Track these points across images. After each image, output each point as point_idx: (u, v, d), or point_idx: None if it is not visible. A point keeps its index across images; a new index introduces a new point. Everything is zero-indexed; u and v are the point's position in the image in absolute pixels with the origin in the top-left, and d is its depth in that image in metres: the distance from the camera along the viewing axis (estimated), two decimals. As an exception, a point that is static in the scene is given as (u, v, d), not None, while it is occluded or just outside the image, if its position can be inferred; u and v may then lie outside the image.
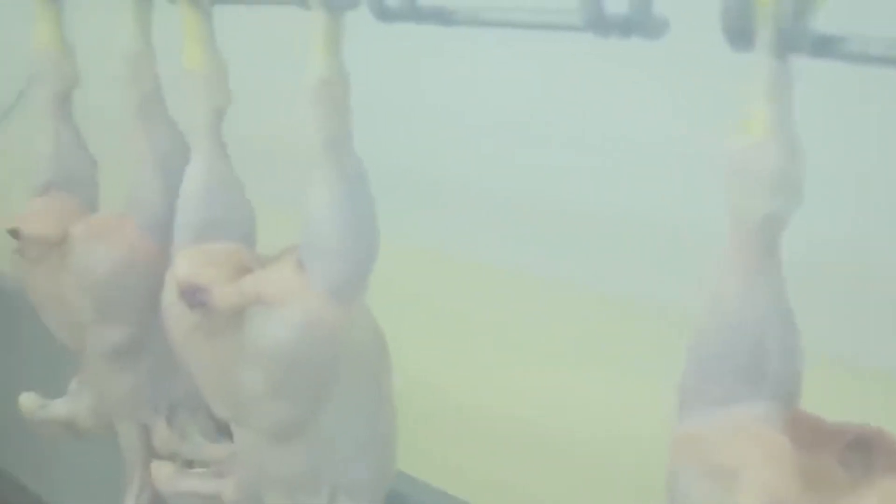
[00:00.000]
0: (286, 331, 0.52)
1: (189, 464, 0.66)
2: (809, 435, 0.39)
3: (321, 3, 0.49)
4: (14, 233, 0.68)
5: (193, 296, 0.53)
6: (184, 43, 0.58)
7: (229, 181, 0.60)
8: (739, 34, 0.37)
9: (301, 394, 0.53)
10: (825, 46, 0.37)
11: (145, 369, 0.67)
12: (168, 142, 0.64)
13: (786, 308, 0.39)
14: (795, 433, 0.38)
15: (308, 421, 0.54)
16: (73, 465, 0.88)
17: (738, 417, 0.39)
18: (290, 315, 0.52)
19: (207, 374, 0.56)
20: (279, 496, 0.57)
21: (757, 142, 0.37)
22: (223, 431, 0.66)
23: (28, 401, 0.75)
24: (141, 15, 0.63)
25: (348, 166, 0.51)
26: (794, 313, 0.39)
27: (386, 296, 0.55)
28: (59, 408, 0.74)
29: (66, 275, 0.67)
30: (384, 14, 0.49)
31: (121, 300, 0.65)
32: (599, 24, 0.42)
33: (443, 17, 0.48)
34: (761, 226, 0.37)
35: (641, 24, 0.41)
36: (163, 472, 0.64)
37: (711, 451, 0.39)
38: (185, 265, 0.55)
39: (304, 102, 0.51)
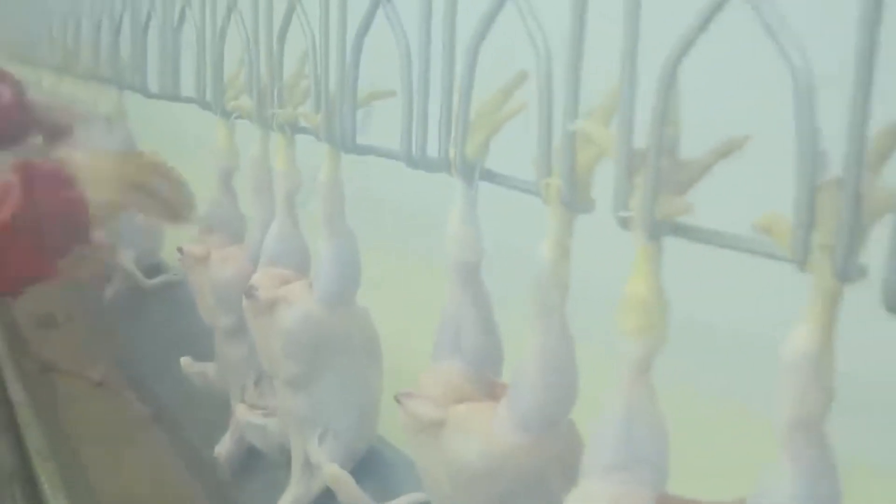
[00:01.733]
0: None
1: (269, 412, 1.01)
2: None
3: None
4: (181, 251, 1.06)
5: (249, 290, 0.87)
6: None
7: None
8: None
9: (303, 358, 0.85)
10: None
11: (245, 347, 1.02)
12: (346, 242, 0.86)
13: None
14: None
15: (311, 379, 0.86)
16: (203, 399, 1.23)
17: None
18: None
19: (259, 342, 0.90)
20: (294, 430, 0.90)
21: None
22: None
23: (185, 362, 1.13)
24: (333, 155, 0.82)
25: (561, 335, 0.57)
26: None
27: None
28: (200, 368, 1.12)
29: (206, 279, 1.04)
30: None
31: (232, 298, 1.00)
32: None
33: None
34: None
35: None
36: (239, 411, 1.00)
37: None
38: (255, 276, 0.90)
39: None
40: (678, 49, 0.46)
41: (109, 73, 1.43)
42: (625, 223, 0.50)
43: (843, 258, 0.40)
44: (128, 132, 1.53)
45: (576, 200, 0.54)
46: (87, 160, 1.06)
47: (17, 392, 1.31)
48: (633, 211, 0.49)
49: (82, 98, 1.65)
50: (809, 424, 0.43)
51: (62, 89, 1.80)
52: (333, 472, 0.85)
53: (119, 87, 1.44)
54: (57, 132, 1.60)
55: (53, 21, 1.80)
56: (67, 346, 1.47)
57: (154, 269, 1.57)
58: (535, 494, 0.60)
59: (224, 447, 1.06)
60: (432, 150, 0.67)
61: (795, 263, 0.42)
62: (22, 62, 2.13)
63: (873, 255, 0.40)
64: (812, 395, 0.42)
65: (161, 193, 1.06)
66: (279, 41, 0.87)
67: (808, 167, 0.41)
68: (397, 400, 0.64)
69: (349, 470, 0.87)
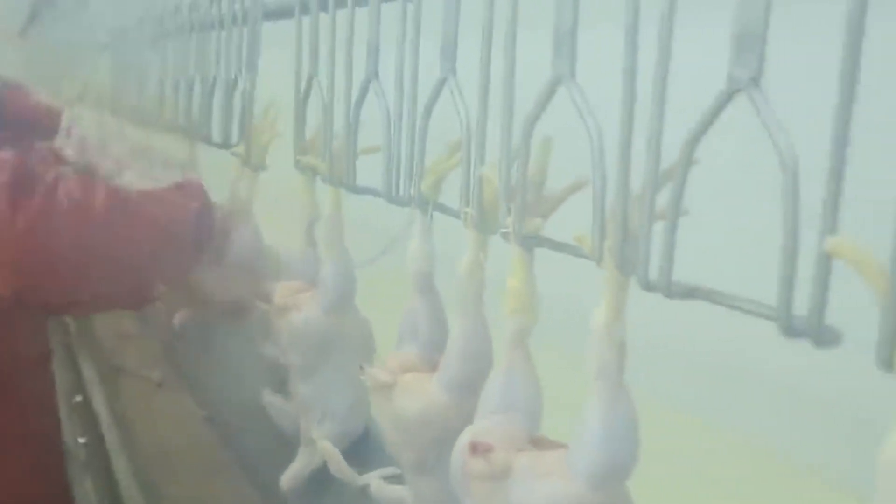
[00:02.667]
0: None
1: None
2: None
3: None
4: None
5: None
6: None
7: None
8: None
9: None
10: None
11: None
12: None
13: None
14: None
15: (311, 372, 1.09)
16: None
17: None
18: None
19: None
20: (303, 414, 1.13)
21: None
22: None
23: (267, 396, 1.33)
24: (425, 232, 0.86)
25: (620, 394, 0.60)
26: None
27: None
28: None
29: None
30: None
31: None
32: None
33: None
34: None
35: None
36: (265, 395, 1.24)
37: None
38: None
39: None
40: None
41: (196, 130, 1.54)
42: (504, 237, 0.70)
43: (620, 256, 0.59)
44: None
45: (628, 264, 0.58)
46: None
47: (93, 388, 1.56)
48: (510, 228, 0.69)
49: (165, 148, 1.82)
50: (606, 375, 0.60)
51: (146, 140, 2.04)
52: (326, 447, 1.08)
53: (194, 139, 1.57)
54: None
55: (139, 78, 2.07)
56: (135, 352, 1.74)
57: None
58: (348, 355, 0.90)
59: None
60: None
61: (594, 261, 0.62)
62: (111, 113, 2.42)
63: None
64: (605, 353, 0.59)
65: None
66: (356, 108, 0.93)
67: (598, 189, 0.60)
68: (361, 368, 0.85)
69: (344, 447, 1.09)
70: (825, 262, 0.44)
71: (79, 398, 1.87)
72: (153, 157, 1.95)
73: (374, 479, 1.02)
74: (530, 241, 0.70)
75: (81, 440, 1.83)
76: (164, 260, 1.15)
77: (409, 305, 0.87)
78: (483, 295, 0.78)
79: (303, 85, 1.06)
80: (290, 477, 1.17)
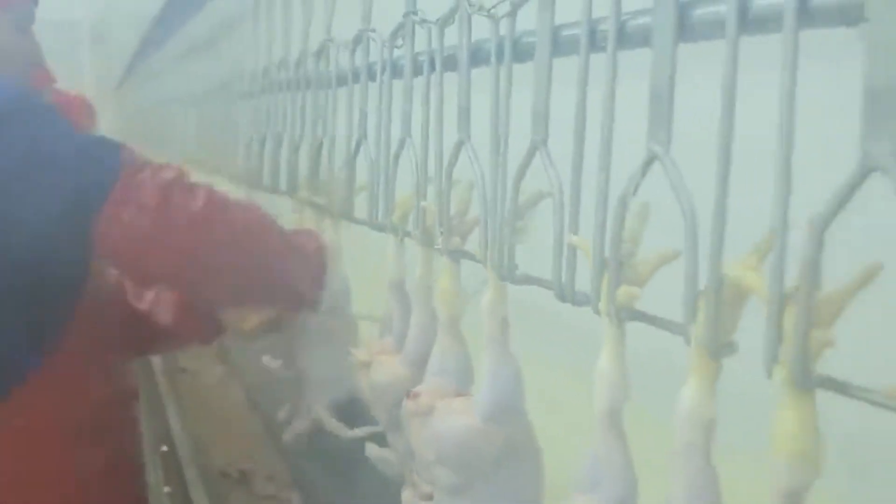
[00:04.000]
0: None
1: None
2: None
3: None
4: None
5: (411, 394, 0.99)
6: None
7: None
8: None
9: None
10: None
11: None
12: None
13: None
14: None
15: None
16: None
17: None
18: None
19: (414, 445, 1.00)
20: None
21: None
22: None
23: (370, 448, 1.20)
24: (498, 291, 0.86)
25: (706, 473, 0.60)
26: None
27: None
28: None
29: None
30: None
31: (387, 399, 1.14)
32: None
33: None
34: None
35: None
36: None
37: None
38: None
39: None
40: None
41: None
42: (595, 310, 0.68)
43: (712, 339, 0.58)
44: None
45: (718, 346, 0.57)
46: None
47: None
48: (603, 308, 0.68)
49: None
50: (691, 455, 0.59)
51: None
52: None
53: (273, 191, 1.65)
54: None
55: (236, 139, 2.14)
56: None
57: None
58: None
59: None
60: (582, 283, 0.71)
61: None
62: (208, 172, 2.51)
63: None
64: (691, 433, 0.59)
65: None
66: (447, 174, 0.93)
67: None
68: (406, 395, 0.93)
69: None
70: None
71: (165, 448, 1.91)
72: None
73: (370, 445, 1.16)
74: (624, 315, 0.67)
75: (167, 489, 1.86)
76: (290, 282, 1.23)
77: (440, 344, 0.97)
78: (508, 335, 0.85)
79: (393, 147, 1.09)
80: None
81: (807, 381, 0.50)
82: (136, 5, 4.82)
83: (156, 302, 1.40)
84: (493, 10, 0.82)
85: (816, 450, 0.51)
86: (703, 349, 0.58)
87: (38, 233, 1.07)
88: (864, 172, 0.42)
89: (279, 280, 1.21)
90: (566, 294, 0.73)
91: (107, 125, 3.93)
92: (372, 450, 1.17)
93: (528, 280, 0.81)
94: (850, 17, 0.43)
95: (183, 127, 2.93)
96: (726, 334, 0.57)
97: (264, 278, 1.19)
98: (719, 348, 0.57)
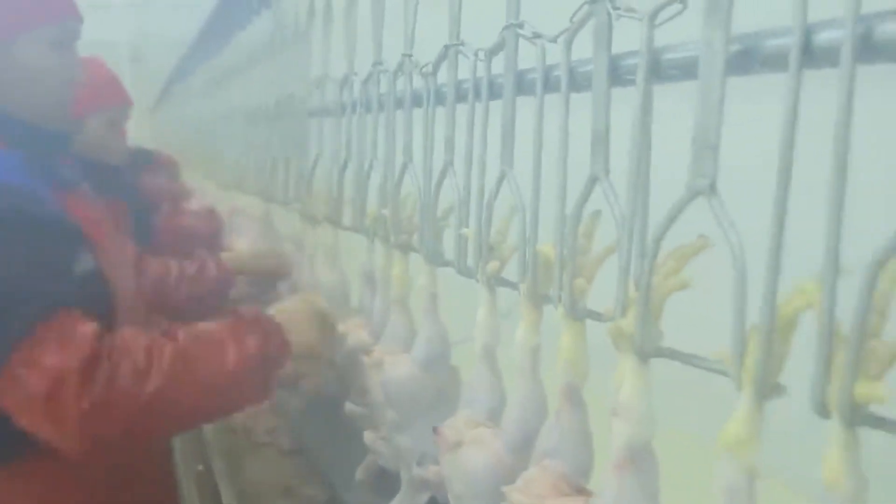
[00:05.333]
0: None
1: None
2: None
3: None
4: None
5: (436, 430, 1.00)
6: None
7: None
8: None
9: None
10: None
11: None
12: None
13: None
14: None
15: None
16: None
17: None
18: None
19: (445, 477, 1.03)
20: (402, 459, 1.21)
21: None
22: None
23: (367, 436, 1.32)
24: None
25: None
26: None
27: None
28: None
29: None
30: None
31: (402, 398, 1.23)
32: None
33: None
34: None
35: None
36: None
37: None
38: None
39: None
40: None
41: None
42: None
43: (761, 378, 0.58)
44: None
45: (766, 387, 0.56)
46: (291, 307, 1.31)
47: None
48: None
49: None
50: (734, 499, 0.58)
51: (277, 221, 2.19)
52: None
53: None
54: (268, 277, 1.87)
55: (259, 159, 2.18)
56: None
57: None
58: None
59: None
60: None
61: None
62: (234, 190, 2.55)
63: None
64: (734, 476, 0.58)
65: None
66: (488, 204, 0.93)
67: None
68: (434, 431, 0.94)
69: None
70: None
71: (200, 467, 1.91)
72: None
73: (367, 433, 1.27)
74: (651, 352, 0.67)
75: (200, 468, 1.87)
76: (236, 402, 1.22)
77: (475, 375, 0.97)
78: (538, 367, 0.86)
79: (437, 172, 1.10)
80: None
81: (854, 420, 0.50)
82: (174, 29, 4.89)
83: None
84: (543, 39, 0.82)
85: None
86: (753, 394, 0.57)
87: None
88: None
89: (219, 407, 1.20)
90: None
91: (144, 141, 4.00)
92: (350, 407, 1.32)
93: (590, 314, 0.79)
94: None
95: (218, 147, 2.97)
96: (775, 374, 0.56)
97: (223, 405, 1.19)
98: (769, 389, 0.56)
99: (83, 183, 1.38)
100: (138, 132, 3.60)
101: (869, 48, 0.50)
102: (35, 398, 1.04)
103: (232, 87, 2.63)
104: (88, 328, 1.08)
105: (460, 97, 1.02)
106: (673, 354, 0.65)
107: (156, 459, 1.48)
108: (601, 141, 0.74)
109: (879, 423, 0.49)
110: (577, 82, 0.78)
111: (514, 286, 0.90)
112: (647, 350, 0.66)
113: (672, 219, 0.63)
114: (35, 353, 1.05)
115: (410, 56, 1.16)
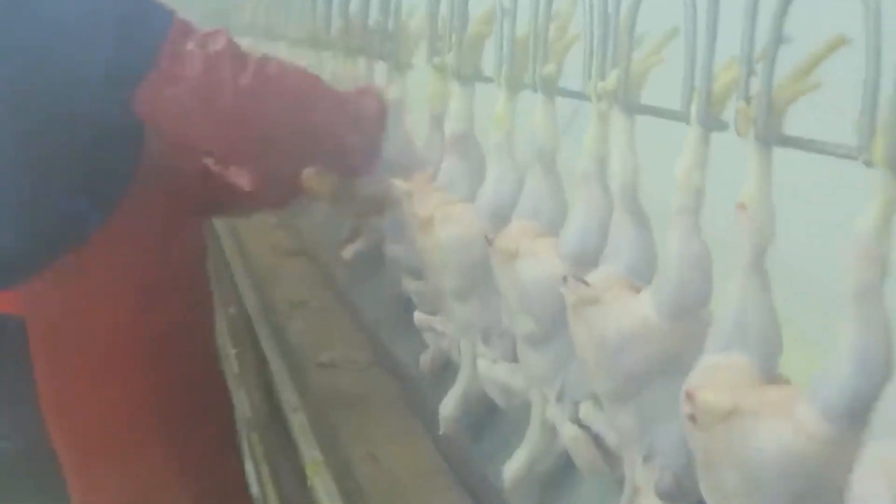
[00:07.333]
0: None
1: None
2: None
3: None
4: None
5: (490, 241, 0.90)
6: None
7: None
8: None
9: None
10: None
11: (473, 308, 1.04)
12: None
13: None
14: None
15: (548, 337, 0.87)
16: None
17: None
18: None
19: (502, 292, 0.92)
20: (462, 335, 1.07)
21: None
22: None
23: (419, 317, 1.19)
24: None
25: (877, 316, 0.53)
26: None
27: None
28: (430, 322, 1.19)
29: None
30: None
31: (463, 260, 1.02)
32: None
33: None
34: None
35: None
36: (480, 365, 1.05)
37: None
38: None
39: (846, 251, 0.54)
40: None
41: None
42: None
43: None
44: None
45: None
46: None
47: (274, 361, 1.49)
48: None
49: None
50: (866, 297, 0.54)
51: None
52: (572, 433, 0.82)
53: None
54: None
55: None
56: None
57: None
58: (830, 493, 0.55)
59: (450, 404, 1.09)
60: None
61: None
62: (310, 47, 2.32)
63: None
64: (866, 272, 0.53)
65: None
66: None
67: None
68: (564, 279, 0.75)
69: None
70: None
71: (232, 310, 1.87)
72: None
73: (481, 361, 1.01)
74: (774, 139, 0.61)
75: (234, 350, 1.83)
76: (348, 146, 1.19)
77: (614, 222, 0.79)
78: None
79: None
80: (450, 404, 1.10)
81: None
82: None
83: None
84: None
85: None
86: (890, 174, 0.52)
87: (85, 93, 1.07)
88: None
89: (334, 147, 1.18)
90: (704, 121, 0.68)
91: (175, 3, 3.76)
92: (420, 318, 1.15)
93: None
94: None
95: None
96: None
97: (317, 146, 1.17)
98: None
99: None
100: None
101: None
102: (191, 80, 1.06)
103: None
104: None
105: None
106: (798, 143, 0.61)
107: (196, 291, 1.37)
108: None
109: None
110: None
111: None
112: (772, 138, 0.61)
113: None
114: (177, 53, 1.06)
115: None
